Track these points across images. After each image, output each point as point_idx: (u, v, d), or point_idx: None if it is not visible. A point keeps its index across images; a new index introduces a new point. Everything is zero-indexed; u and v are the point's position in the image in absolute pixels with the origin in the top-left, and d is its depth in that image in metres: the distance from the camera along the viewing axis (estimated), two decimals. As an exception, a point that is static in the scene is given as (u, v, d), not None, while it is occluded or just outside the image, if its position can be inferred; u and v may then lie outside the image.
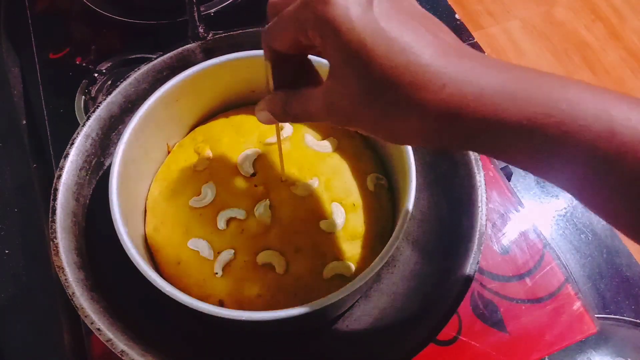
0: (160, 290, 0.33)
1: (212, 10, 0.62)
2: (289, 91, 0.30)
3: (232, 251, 0.38)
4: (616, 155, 0.21)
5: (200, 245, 0.38)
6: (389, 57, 0.23)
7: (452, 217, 0.41)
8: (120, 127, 0.43)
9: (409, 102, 0.23)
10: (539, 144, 0.22)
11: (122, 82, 0.43)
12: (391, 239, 0.34)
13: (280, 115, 0.31)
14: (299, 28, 0.26)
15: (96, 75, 0.60)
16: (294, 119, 0.30)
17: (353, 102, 0.25)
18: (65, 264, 0.35)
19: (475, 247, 0.38)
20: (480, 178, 0.40)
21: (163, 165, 0.43)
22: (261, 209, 0.39)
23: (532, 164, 0.24)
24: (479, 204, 0.39)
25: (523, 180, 0.57)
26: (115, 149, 0.38)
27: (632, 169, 0.21)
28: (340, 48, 0.24)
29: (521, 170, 0.57)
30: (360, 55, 0.23)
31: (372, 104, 0.25)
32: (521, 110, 0.22)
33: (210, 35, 0.46)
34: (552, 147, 0.22)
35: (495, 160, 0.54)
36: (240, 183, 0.40)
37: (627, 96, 0.22)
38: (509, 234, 0.49)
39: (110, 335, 0.33)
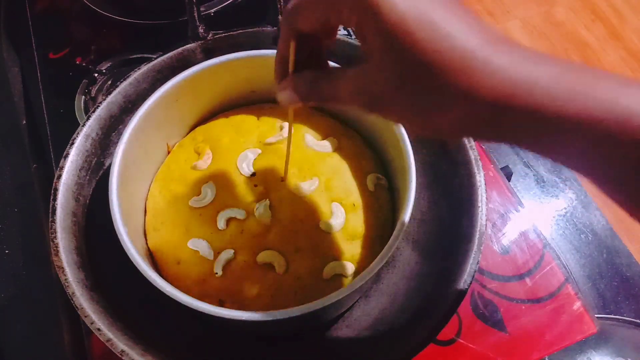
0: (160, 290, 0.33)
1: (212, 10, 0.62)
2: (318, 71, 0.28)
3: (232, 251, 0.38)
4: None
5: (200, 245, 0.38)
6: (434, 41, 0.22)
7: (452, 217, 0.41)
8: (120, 127, 0.43)
9: (455, 89, 0.22)
10: (592, 140, 0.21)
11: (122, 82, 0.43)
12: (391, 239, 0.34)
13: (306, 95, 0.28)
14: (333, 7, 0.24)
15: (96, 75, 0.60)
16: (320, 100, 0.28)
17: (389, 87, 0.24)
18: (65, 264, 0.35)
19: (475, 247, 0.38)
20: (480, 178, 0.40)
21: (163, 165, 0.43)
22: (261, 209, 0.39)
23: (578, 160, 0.22)
24: (479, 204, 0.39)
25: (523, 180, 0.57)
26: (115, 149, 0.38)
27: None
28: (379, 30, 0.22)
29: (521, 171, 0.58)
30: (402, 38, 0.22)
31: (410, 91, 0.23)
32: (578, 104, 0.21)
33: (210, 35, 0.46)
34: (606, 144, 0.21)
35: (495, 160, 0.54)
36: (240, 183, 0.40)
37: None
38: (509, 234, 0.49)
39: (110, 335, 0.33)
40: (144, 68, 0.44)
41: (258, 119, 0.45)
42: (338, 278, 0.38)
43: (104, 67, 0.61)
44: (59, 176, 0.39)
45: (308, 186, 0.40)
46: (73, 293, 0.34)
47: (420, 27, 0.22)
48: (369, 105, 0.26)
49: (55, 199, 0.38)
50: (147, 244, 0.40)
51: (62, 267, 0.35)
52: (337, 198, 0.40)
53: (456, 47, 0.21)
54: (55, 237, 0.36)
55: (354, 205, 0.40)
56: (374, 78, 0.24)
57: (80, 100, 0.58)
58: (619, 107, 0.21)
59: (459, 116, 0.23)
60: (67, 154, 0.40)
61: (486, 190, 0.40)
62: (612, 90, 0.21)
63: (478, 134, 0.24)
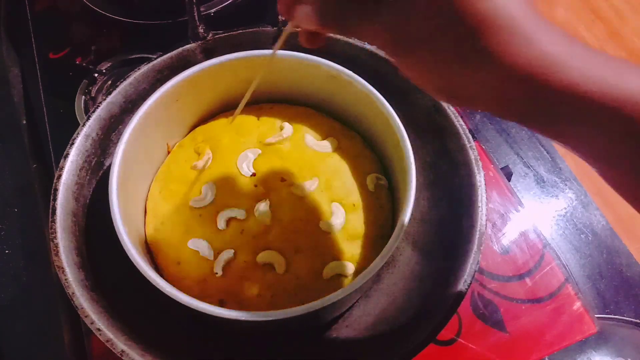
0: (160, 290, 0.33)
1: (212, 10, 0.62)
2: None
3: (232, 251, 0.38)
4: None
5: (200, 245, 0.38)
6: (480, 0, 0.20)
7: (452, 217, 0.41)
8: (120, 127, 0.43)
9: (493, 52, 0.20)
10: (623, 126, 0.20)
11: (122, 82, 0.43)
12: (391, 239, 0.34)
13: (330, 18, 0.25)
14: None
15: (96, 75, 0.60)
16: (343, 29, 0.25)
17: (424, 32, 0.22)
18: (65, 264, 0.35)
19: (475, 247, 0.38)
20: (480, 178, 0.40)
21: (163, 165, 0.43)
22: (261, 209, 0.39)
23: (606, 152, 0.21)
24: (479, 204, 0.39)
25: (523, 180, 0.57)
26: (115, 149, 0.38)
27: None
28: None
29: (521, 171, 0.58)
30: None
31: (444, 42, 0.21)
32: (611, 88, 0.20)
33: (210, 35, 0.46)
34: (628, 142, 0.20)
35: (495, 160, 0.54)
36: (240, 183, 0.40)
37: None
38: (509, 234, 0.49)
39: (110, 335, 0.33)
40: (144, 68, 0.44)
41: (258, 119, 0.45)
42: (338, 278, 0.38)
43: (104, 67, 0.61)
44: (59, 176, 0.39)
45: (308, 186, 0.40)
46: (73, 293, 0.34)
47: None
48: (396, 48, 0.23)
49: (55, 199, 0.38)
50: (147, 244, 0.40)
51: (62, 267, 0.35)
52: (337, 198, 0.40)
53: (498, 9, 0.20)
54: (55, 237, 0.36)
55: (354, 205, 0.40)
56: (412, 19, 0.22)
57: (80, 100, 0.58)
58: None
59: (487, 82, 0.22)
60: (67, 154, 0.40)
61: (486, 190, 0.40)
62: None
63: (510, 110, 0.22)
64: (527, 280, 0.47)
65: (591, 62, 0.20)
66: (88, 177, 0.41)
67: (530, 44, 0.20)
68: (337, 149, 0.43)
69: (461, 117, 0.42)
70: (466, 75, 0.22)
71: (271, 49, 0.41)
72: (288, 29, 0.30)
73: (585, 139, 0.22)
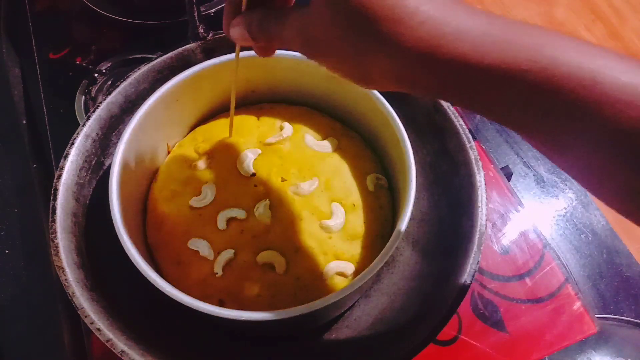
0: (160, 290, 0.33)
1: (212, 10, 0.62)
2: (268, 9, 0.29)
3: (232, 251, 0.38)
4: (596, 105, 0.20)
5: (200, 245, 0.38)
6: None
7: (452, 217, 0.41)
8: (120, 127, 0.43)
9: (383, 37, 0.22)
10: (519, 91, 0.21)
11: (122, 82, 0.43)
12: (391, 239, 0.34)
13: (256, 32, 0.29)
14: None
15: (96, 75, 0.60)
16: (268, 39, 0.29)
17: (326, 33, 0.24)
18: (65, 264, 0.35)
19: (475, 247, 0.38)
20: (480, 178, 0.40)
21: (163, 165, 0.43)
22: (261, 209, 0.39)
23: (509, 115, 0.23)
24: (479, 204, 0.39)
25: (523, 180, 0.57)
26: (115, 149, 0.38)
27: (611, 120, 0.20)
28: None
29: (521, 171, 0.58)
30: None
31: (344, 38, 0.24)
32: (503, 55, 0.21)
33: (210, 35, 0.46)
34: (532, 94, 0.21)
35: (495, 160, 0.54)
36: (240, 183, 0.40)
37: (613, 51, 0.21)
38: (509, 234, 0.49)
39: (110, 335, 0.33)
40: (144, 68, 0.44)
41: (258, 119, 0.45)
42: (338, 278, 0.38)
43: (104, 67, 0.61)
44: (59, 176, 0.39)
45: (308, 186, 0.40)
46: (73, 293, 0.34)
47: None
48: (309, 50, 0.26)
49: (55, 199, 0.38)
50: (147, 244, 0.40)
51: (62, 267, 0.35)
52: (337, 198, 0.40)
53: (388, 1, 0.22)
54: (55, 237, 0.36)
55: (354, 205, 0.40)
56: (314, 23, 0.25)
57: (80, 100, 0.58)
58: (543, 56, 0.21)
59: (389, 66, 0.23)
60: (67, 154, 0.40)
61: (486, 190, 0.40)
62: (537, 40, 0.21)
63: (413, 86, 0.24)
64: (527, 280, 0.47)
65: (488, 32, 0.22)
66: (88, 177, 0.41)
67: (417, 24, 0.22)
68: (337, 149, 0.43)
69: (461, 117, 0.42)
70: (370, 63, 0.24)
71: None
72: (237, 50, 0.36)
73: (498, 110, 0.23)
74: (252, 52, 0.41)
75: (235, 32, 0.30)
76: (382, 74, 0.24)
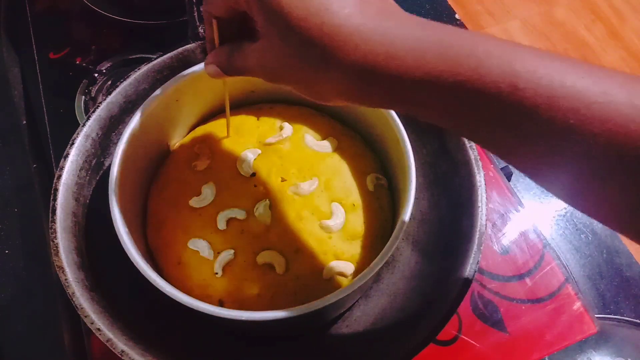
0: (160, 290, 0.33)
1: (212, 10, 0.62)
2: (233, 45, 0.31)
3: (232, 251, 0.38)
4: (520, 110, 0.21)
5: (200, 246, 0.38)
6: (307, 18, 0.24)
7: (452, 217, 0.41)
8: (120, 127, 0.43)
9: (327, 62, 0.24)
10: (450, 100, 0.23)
11: (122, 82, 0.43)
12: (391, 239, 0.34)
13: (226, 67, 0.32)
14: None
15: (96, 75, 0.60)
16: (237, 72, 0.31)
17: (279, 60, 0.27)
18: (65, 264, 0.35)
19: (475, 247, 0.38)
20: (480, 178, 0.40)
21: (163, 165, 0.43)
22: (261, 209, 0.39)
23: (446, 121, 0.24)
24: (479, 204, 0.39)
25: (523, 180, 0.57)
26: (115, 149, 0.38)
27: (535, 123, 0.21)
28: (262, 10, 0.26)
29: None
30: (280, 17, 0.25)
31: (295, 64, 0.26)
32: (431, 67, 0.23)
33: (210, 35, 0.46)
34: (461, 103, 0.23)
35: (495, 160, 0.54)
36: (240, 183, 0.40)
37: (537, 50, 0.22)
38: (509, 234, 0.49)
39: (110, 335, 0.33)
40: (144, 68, 0.44)
41: (258, 119, 0.45)
42: (338, 278, 0.38)
43: (104, 67, 0.61)
44: (59, 176, 0.39)
45: (308, 186, 0.40)
46: (73, 293, 0.34)
47: (294, 5, 0.24)
48: (269, 77, 0.29)
49: (55, 199, 0.38)
50: (147, 244, 0.40)
51: (62, 267, 0.35)
52: (337, 198, 0.40)
53: (324, 24, 0.24)
54: (55, 237, 0.36)
55: (354, 205, 0.40)
56: (269, 52, 0.27)
57: (80, 100, 0.58)
58: (464, 67, 0.22)
59: (337, 86, 0.25)
60: (67, 154, 0.40)
61: (486, 190, 0.40)
62: (462, 49, 0.22)
63: (362, 100, 0.26)
64: (527, 280, 0.47)
65: (420, 41, 0.23)
66: (88, 177, 0.41)
67: (356, 44, 0.24)
68: (337, 149, 0.43)
69: (461, 117, 0.42)
70: (321, 83, 0.26)
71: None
72: (225, 87, 0.40)
73: (446, 118, 0.24)
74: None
75: (210, 69, 0.33)
76: (332, 92, 0.26)
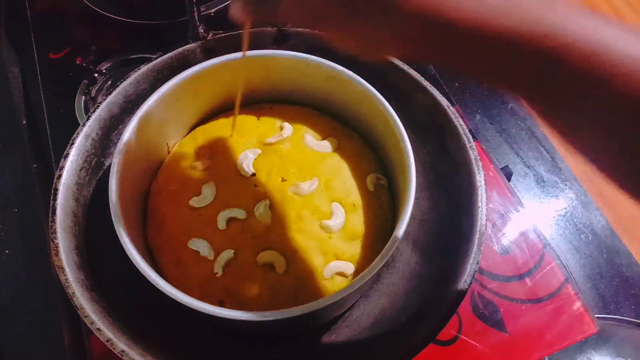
0: (160, 290, 0.33)
1: (212, 10, 0.62)
2: None
3: (232, 251, 0.38)
4: (599, 76, 0.21)
5: (200, 245, 0.38)
6: None
7: (452, 217, 0.41)
8: (120, 127, 0.43)
9: (387, 2, 0.23)
10: (521, 58, 0.22)
11: (122, 82, 0.43)
12: (391, 239, 0.34)
13: (254, 9, 0.29)
14: None
15: (96, 75, 0.60)
16: (268, 14, 0.28)
17: (330, 2, 0.24)
18: (65, 264, 0.35)
19: (475, 247, 0.38)
20: (480, 178, 0.40)
21: (163, 165, 0.43)
22: (261, 209, 0.39)
23: (510, 80, 0.23)
24: (479, 204, 0.39)
25: (523, 180, 0.57)
26: (115, 149, 0.38)
27: (616, 92, 0.20)
28: None
29: (521, 171, 0.58)
30: None
31: (345, 5, 0.24)
32: (505, 21, 0.21)
33: (210, 35, 0.46)
34: (534, 62, 0.22)
35: (495, 160, 0.54)
36: (240, 183, 0.40)
37: (616, 21, 0.22)
38: (509, 234, 0.49)
39: (110, 335, 0.33)
40: (144, 68, 0.44)
41: (258, 119, 0.45)
42: (338, 278, 0.38)
43: (104, 67, 0.61)
44: (59, 176, 0.39)
45: (308, 186, 0.40)
46: (73, 293, 0.34)
47: None
48: (308, 19, 0.26)
49: (55, 199, 0.38)
50: (147, 244, 0.40)
51: (62, 267, 0.35)
52: (337, 198, 0.40)
53: None
54: (55, 237, 0.36)
55: (354, 205, 0.40)
56: None
57: (80, 100, 0.58)
58: (546, 24, 0.21)
59: (389, 31, 0.23)
60: (67, 154, 0.40)
61: (486, 190, 0.40)
62: (540, 6, 0.21)
63: (414, 51, 0.24)
64: (527, 280, 0.47)
65: None
66: (88, 177, 0.41)
67: None
68: (337, 149, 0.43)
69: (461, 117, 0.42)
70: (375, 27, 0.24)
71: (272, 48, 0.41)
72: (246, 30, 0.34)
73: (498, 75, 0.23)
74: (252, 52, 0.41)
75: (236, 7, 0.29)
76: (386, 38, 0.24)
